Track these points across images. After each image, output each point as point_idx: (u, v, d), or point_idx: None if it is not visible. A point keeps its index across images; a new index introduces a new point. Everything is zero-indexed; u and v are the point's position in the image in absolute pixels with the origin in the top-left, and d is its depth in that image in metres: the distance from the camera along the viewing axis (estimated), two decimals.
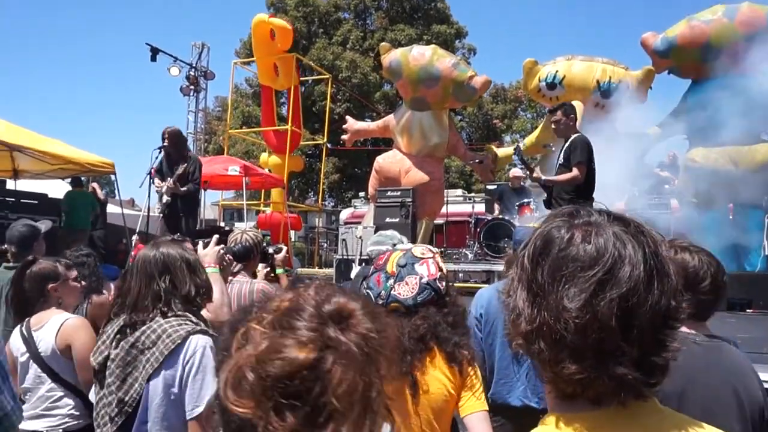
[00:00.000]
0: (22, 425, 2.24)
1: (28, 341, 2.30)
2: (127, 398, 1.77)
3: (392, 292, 1.71)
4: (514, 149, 5.91)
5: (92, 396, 2.17)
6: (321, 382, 0.64)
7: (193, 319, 1.88)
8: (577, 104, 8.83)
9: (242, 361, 0.66)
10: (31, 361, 2.28)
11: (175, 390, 1.77)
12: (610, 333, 0.70)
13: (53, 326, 2.33)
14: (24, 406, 2.27)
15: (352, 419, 0.64)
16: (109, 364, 1.82)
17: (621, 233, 0.75)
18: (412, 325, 1.69)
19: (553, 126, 5.26)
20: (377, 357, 0.68)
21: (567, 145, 5.02)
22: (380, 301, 1.72)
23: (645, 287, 0.71)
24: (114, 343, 1.84)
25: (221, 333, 0.77)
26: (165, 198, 6.29)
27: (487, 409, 1.75)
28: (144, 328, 1.81)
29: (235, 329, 0.72)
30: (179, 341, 1.79)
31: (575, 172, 4.88)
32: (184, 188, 6.31)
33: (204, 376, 1.78)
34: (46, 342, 2.29)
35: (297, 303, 0.70)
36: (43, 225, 3.69)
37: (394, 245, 2.76)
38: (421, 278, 1.72)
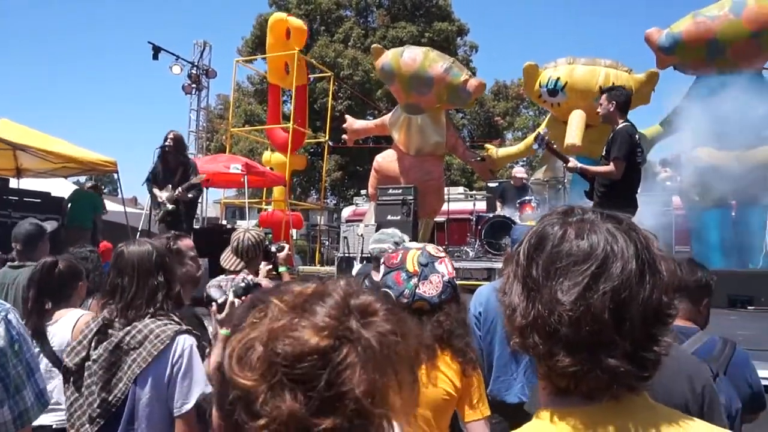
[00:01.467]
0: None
1: (40, 336, 2.31)
2: (111, 398, 1.77)
3: (417, 290, 1.74)
4: (537, 139, 5.16)
5: (56, 396, 2.12)
6: (331, 372, 0.62)
7: (176, 318, 1.89)
8: (580, 114, 8.81)
9: (254, 334, 0.65)
10: (42, 355, 2.31)
11: (163, 390, 1.78)
12: (603, 326, 0.72)
13: (69, 321, 2.35)
14: None
15: (369, 418, 0.62)
16: (89, 364, 1.80)
17: (613, 230, 0.77)
18: (435, 322, 1.73)
19: (598, 111, 4.93)
20: (396, 359, 0.66)
21: (610, 136, 4.69)
22: (405, 300, 1.74)
23: (637, 281, 0.73)
24: (93, 344, 1.82)
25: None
26: (169, 206, 6.30)
27: (489, 414, 1.79)
28: (129, 328, 1.81)
29: (253, 306, 0.70)
30: (168, 341, 1.79)
31: (611, 167, 4.55)
32: (190, 195, 6.36)
33: (192, 374, 1.79)
34: (60, 337, 2.31)
35: (324, 290, 0.69)
36: (49, 225, 3.73)
37: (396, 243, 2.78)
38: (443, 276, 1.76)
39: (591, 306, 0.72)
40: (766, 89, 8.22)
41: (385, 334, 0.66)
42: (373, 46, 10.58)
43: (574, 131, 8.59)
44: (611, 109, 4.72)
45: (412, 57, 9.41)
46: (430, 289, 1.74)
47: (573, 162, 4.96)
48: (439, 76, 9.22)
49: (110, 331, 1.83)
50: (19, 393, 1.30)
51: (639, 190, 4.87)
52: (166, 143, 6.40)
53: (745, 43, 7.87)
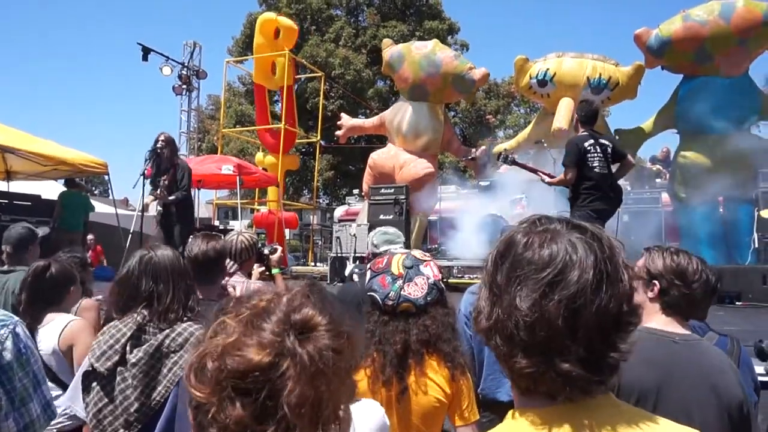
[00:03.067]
0: None
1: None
2: (150, 402, 1.77)
3: (402, 292, 1.75)
4: (501, 157, 5.70)
5: (64, 402, 2.07)
6: (271, 385, 0.68)
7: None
8: (568, 101, 8.91)
9: (208, 350, 0.72)
10: None
11: None
12: (557, 331, 0.75)
13: (57, 326, 2.34)
14: None
15: (299, 427, 0.69)
16: (126, 368, 1.80)
17: (576, 240, 0.80)
18: (420, 326, 1.73)
19: None
20: (329, 373, 0.71)
21: None
22: (390, 302, 1.75)
23: (593, 290, 0.76)
24: (129, 348, 1.82)
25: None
26: (158, 208, 6.31)
27: (477, 419, 1.80)
28: (167, 331, 1.82)
29: (216, 318, 0.78)
30: None
31: (560, 175, 5.24)
32: (172, 197, 6.30)
33: None
34: (47, 341, 2.31)
35: (270, 306, 0.76)
36: (41, 230, 3.72)
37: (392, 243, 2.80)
38: (428, 279, 1.78)
39: (545, 312, 0.75)
40: (750, 88, 8.34)
41: (322, 349, 0.72)
42: (384, 39, 11.29)
43: (562, 115, 8.75)
44: (574, 123, 5.31)
45: (422, 44, 10.56)
46: (415, 290, 1.75)
47: (542, 177, 5.50)
48: (448, 59, 9.93)
49: (144, 336, 1.82)
50: (25, 405, 1.31)
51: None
52: (158, 145, 6.37)
53: (732, 49, 7.96)
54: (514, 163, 5.67)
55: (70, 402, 1.95)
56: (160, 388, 1.78)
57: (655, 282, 1.70)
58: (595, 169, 5.05)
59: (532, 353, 0.77)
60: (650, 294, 1.71)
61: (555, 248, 0.79)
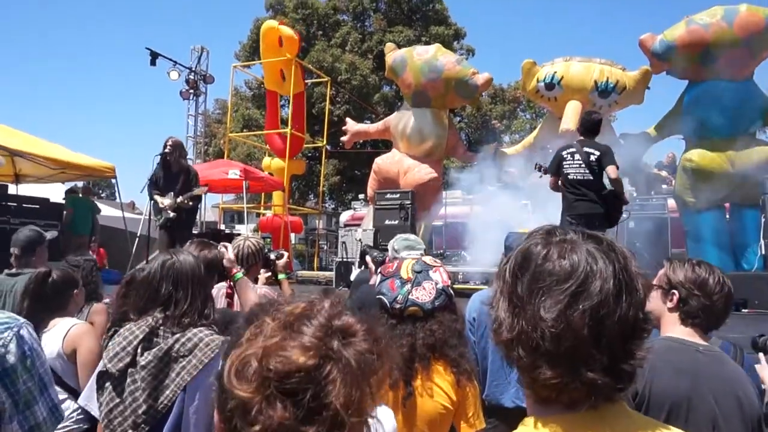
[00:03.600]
0: None
1: None
2: (158, 405, 1.79)
3: (410, 296, 1.76)
4: (536, 167, 6.02)
5: (81, 400, 2.14)
6: (316, 387, 0.70)
7: (215, 329, 1.93)
8: (576, 103, 8.92)
9: (251, 351, 0.74)
10: None
11: (211, 398, 1.80)
12: (582, 341, 0.77)
13: (61, 330, 2.36)
14: None
15: (348, 426, 0.70)
16: (137, 370, 1.83)
17: (594, 250, 0.81)
18: (427, 330, 1.75)
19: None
20: (370, 375, 0.74)
21: None
22: (398, 306, 1.76)
23: (614, 300, 0.78)
24: (140, 351, 1.84)
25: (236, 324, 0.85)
26: (171, 214, 6.36)
27: (483, 427, 1.80)
28: (178, 336, 1.84)
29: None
30: (217, 350, 1.82)
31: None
32: (191, 203, 6.45)
33: None
34: (52, 345, 2.33)
35: (310, 311, 0.78)
36: (49, 234, 3.74)
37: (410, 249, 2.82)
38: (436, 284, 1.79)
39: (571, 323, 0.77)
40: (756, 93, 8.32)
41: (363, 353, 0.74)
42: (387, 44, 11.18)
43: (570, 117, 8.77)
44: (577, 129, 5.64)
45: (425, 49, 10.40)
46: (423, 295, 1.76)
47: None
48: (450, 64, 9.84)
49: (155, 339, 1.85)
50: (30, 408, 1.31)
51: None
52: (166, 150, 6.43)
53: (736, 52, 7.96)
54: (547, 172, 5.73)
55: (86, 401, 1.99)
56: (168, 392, 1.80)
57: (675, 291, 1.71)
58: (570, 176, 5.31)
59: (557, 363, 0.78)
60: (669, 304, 1.72)
61: (575, 259, 0.80)
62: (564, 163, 5.33)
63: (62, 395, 2.32)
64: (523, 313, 0.81)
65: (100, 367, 1.91)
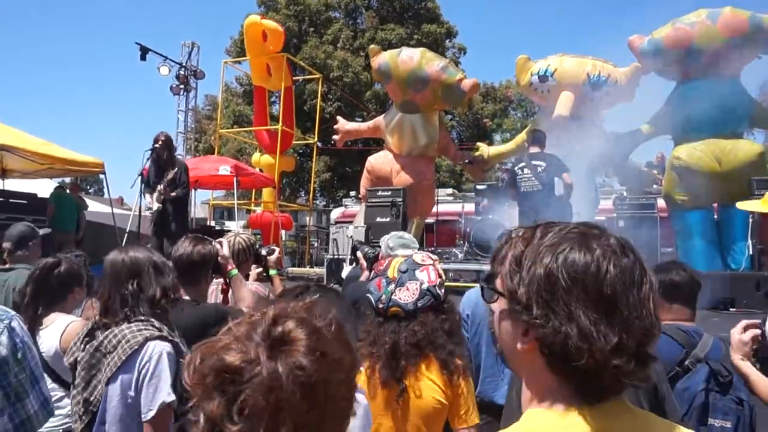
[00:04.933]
0: None
1: (31, 337, 2.32)
2: (92, 399, 1.84)
3: (393, 296, 1.76)
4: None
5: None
6: (237, 387, 0.74)
7: (156, 324, 1.92)
8: (569, 93, 9.01)
9: (204, 350, 0.79)
10: None
11: (132, 393, 1.82)
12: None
13: (58, 327, 2.34)
14: None
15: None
16: (76, 365, 1.89)
17: (627, 250, 0.85)
18: (410, 330, 1.74)
19: None
20: (293, 392, 0.74)
21: None
22: (381, 305, 1.77)
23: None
24: (82, 346, 1.90)
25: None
26: (156, 206, 6.38)
27: (477, 422, 1.81)
28: (107, 332, 1.87)
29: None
30: (136, 347, 1.84)
31: None
32: (174, 193, 6.44)
33: (158, 381, 1.82)
34: (49, 343, 2.31)
35: (259, 319, 0.81)
36: (42, 230, 3.72)
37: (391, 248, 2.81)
38: (421, 284, 1.77)
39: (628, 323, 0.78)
40: (742, 93, 8.44)
41: (291, 367, 0.75)
42: (371, 47, 10.70)
43: (563, 104, 8.87)
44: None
45: (409, 56, 9.75)
46: (405, 295, 1.75)
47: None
48: (435, 74, 9.47)
49: (96, 333, 1.90)
50: (21, 401, 1.30)
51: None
52: (156, 145, 6.43)
53: (721, 50, 8.10)
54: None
55: None
56: (99, 387, 1.84)
57: None
58: (521, 189, 6.05)
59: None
60: None
61: (625, 262, 0.82)
62: (517, 177, 6.05)
63: (60, 392, 2.30)
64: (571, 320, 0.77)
65: None
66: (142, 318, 1.90)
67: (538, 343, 0.79)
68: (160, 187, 6.34)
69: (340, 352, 0.80)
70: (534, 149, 6.16)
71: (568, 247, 0.81)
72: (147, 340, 1.85)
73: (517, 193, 6.03)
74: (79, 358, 1.88)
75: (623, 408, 0.81)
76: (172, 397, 1.80)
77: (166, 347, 1.88)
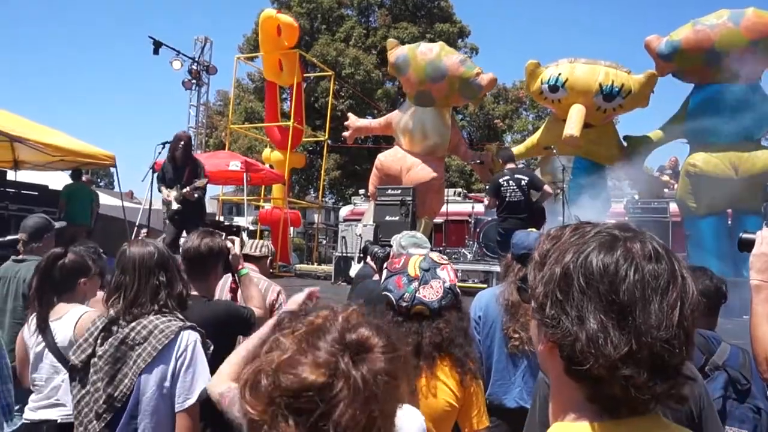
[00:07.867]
0: (38, 414, 2.28)
1: (45, 332, 2.30)
2: (116, 394, 1.80)
3: (417, 294, 1.73)
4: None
5: (62, 395, 2.20)
6: (325, 405, 0.68)
7: (180, 316, 1.93)
8: (580, 107, 8.84)
9: (263, 366, 0.72)
10: (47, 351, 2.30)
11: (167, 384, 1.82)
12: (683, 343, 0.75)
13: (72, 318, 2.34)
14: (38, 396, 2.32)
15: None
16: (95, 360, 1.85)
17: (670, 253, 0.80)
18: (434, 328, 1.72)
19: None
20: (383, 396, 0.71)
21: None
22: (404, 303, 1.74)
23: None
24: (99, 341, 1.86)
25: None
26: (175, 205, 6.47)
27: (488, 425, 1.79)
28: (134, 324, 1.85)
29: (273, 331, 0.79)
30: (172, 336, 1.83)
31: (486, 200, 7.96)
32: (196, 194, 6.56)
33: (195, 369, 1.83)
34: (63, 333, 2.31)
35: (326, 324, 0.76)
36: (58, 223, 3.72)
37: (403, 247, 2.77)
38: (444, 282, 1.76)
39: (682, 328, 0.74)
40: (763, 99, 8.26)
41: (377, 373, 0.72)
42: (389, 40, 10.90)
43: (574, 122, 8.64)
44: (501, 163, 7.86)
45: (428, 48, 10.09)
46: (430, 293, 1.73)
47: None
48: (454, 66, 9.62)
49: (115, 328, 1.87)
50: None
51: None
52: (180, 144, 6.55)
53: (742, 52, 7.90)
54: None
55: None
56: (126, 381, 1.81)
57: None
58: (506, 199, 7.02)
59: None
60: None
61: (663, 264, 0.77)
62: (502, 188, 7.05)
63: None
64: (633, 323, 0.72)
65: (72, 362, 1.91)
66: (167, 311, 1.91)
67: (557, 346, 0.76)
68: (185, 189, 6.43)
69: (405, 349, 0.79)
70: (511, 165, 7.41)
71: (592, 247, 0.77)
72: (181, 329, 1.86)
73: (501, 201, 7.11)
74: (99, 353, 1.84)
75: (658, 424, 0.77)
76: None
77: (198, 337, 1.90)
